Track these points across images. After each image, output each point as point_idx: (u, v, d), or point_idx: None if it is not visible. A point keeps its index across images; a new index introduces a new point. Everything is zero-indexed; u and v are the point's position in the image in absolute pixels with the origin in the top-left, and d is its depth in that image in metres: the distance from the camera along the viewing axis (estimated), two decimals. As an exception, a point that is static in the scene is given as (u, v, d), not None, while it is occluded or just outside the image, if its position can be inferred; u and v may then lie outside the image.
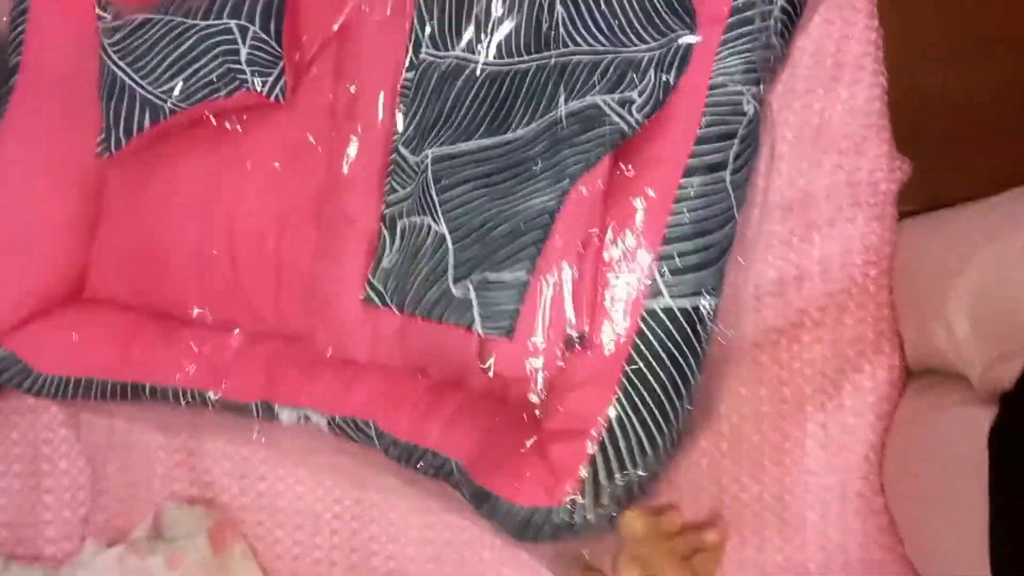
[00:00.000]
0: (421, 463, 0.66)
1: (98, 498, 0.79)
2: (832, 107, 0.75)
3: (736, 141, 0.61)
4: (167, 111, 0.69)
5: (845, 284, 0.74)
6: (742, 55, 0.62)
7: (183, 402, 0.71)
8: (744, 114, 0.61)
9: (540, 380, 0.62)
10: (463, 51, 0.67)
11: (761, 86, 0.62)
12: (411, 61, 0.69)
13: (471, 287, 0.62)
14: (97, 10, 0.70)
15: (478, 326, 0.61)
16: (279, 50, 0.69)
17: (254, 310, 0.73)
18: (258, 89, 0.68)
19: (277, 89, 0.69)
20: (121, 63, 0.69)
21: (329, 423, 0.69)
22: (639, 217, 0.61)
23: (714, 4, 0.62)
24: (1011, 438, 0.55)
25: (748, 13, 0.62)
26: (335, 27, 0.73)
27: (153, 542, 0.71)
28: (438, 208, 0.64)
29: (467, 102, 0.66)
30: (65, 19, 0.71)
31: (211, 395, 0.70)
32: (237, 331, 0.73)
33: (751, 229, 0.64)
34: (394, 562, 0.75)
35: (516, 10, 0.66)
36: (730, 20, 0.62)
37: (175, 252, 0.74)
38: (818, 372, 0.73)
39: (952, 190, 0.75)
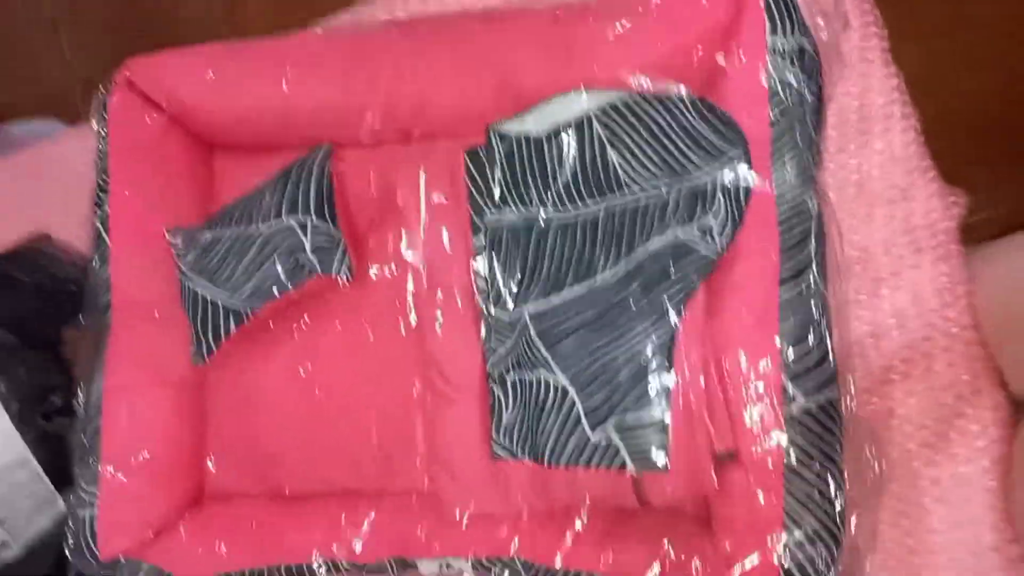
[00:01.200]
0: None
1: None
2: (869, 161, 0.76)
3: (813, 239, 0.64)
4: (248, 314, 0.74)
5: (925, 332, 0.73)
6: (794, 161, 0.65)
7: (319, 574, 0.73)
8: (811, 213, 0.64)
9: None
10: (525, 207, 0.71)
11: (816, 179, 0.65)
12: (475, 225, 0.73)
13: (613, 432, 0.64)
14: (167, 237, 0.76)
15: (630, 466, 0.64)
16: (338, 233, 0.73)
17: (369, 482, 0.76)
18: (327, 272, 0.73)
19: (344, 269, 0.73)
20: (198, 279, 0.75)
21: (474, 566, 0.70)
22: (750, 333, 0.64)
23: (754, 126, 0.66)
24: None
25: (785, 122, 0.65)
26: (392, 207, 0.77)
27: None
28: (552, 363, 0.67)
29: (547, 254, 0.70)
30: (144, 251, 0.77)
31: (344, 564, 0.72)
32: (360, 505, 0.75)
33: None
34: None
35: (568, 162, 0.70)
36: (772, 134, 0.66)
37: (280, 439, 0.78)
38: (918, 426, 0.72)
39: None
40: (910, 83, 0.77)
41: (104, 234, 0.77)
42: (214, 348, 0.75)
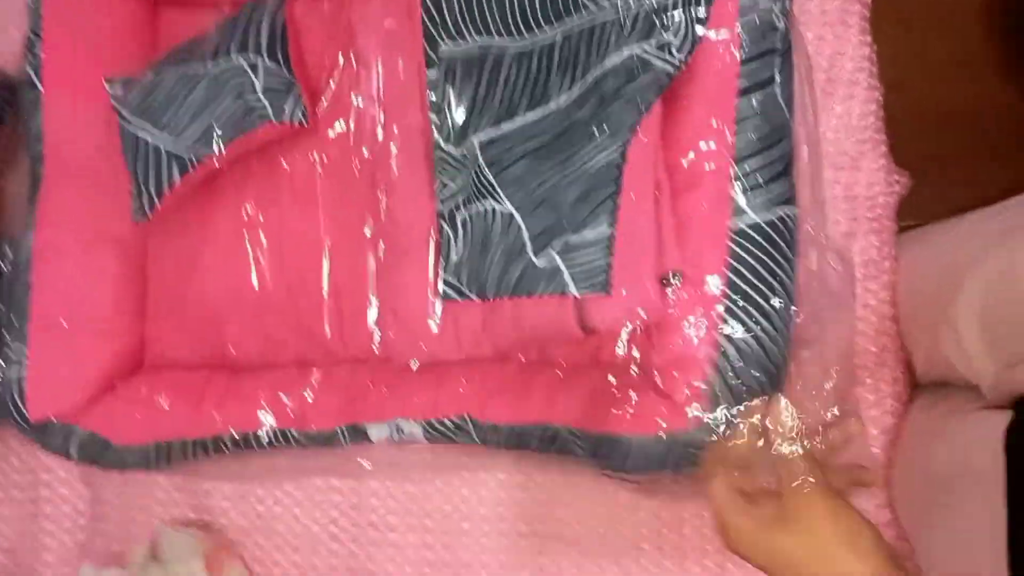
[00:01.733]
0: (532, 441, 0.68)
1: (97, 523, 0.80)
2: (827, 123, 0.76)
3: (777, 56, 0.64)
4: (194, 161, 0.70)
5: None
6: None
7: (266, 446, 0.72)
8: (777, 29, 0.64)
9: (633, 329, 0.64)
10: (481, 36, 0.69)
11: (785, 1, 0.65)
12: (430, 58, 0.71)
13: (555, 254, 0.63)
14: (106, 86, 0.72)
15: (572, 288, 0.63)
16: (292, 76, 0.71)
17: (319, 342, 0.75)
18: (280, 118, 0.70)
19: (298, 113, 0.70)
20: (140, 124, 0.71)
21: (424, 429, 0.70)
22: (706, 145, 0.64)
23: None
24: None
25: None
26: (347, 49, 0.75)
27: (148, 565, 0.70)
28: (498, 189, 0.66)
29: (500, 84, 0.69)
30: (80, 101, 0.73)
31: (294, 432, 0.71)
32: (309, 367, 0.74)
33: (808, 145, 0.67)
34: (391, 582, 0.74)
35: None
36: None
37: (226, 301, 0.76)
38: (818, 384, 0.72)
39: (960, 206, 0.76)
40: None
41: (36, 80, 0.72)
42: (156, 201, 0.72)
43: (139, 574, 0.72)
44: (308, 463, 0.74)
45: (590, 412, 0.65)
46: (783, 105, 0.64)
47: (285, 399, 0.71)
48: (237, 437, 0.71)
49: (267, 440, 0.71)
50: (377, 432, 0.70)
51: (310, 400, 0.71)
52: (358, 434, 0.71)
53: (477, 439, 0.69)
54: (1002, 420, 0.59)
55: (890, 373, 0.74)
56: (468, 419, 0.69)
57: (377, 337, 0.74)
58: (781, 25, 0.64)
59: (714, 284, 0.62)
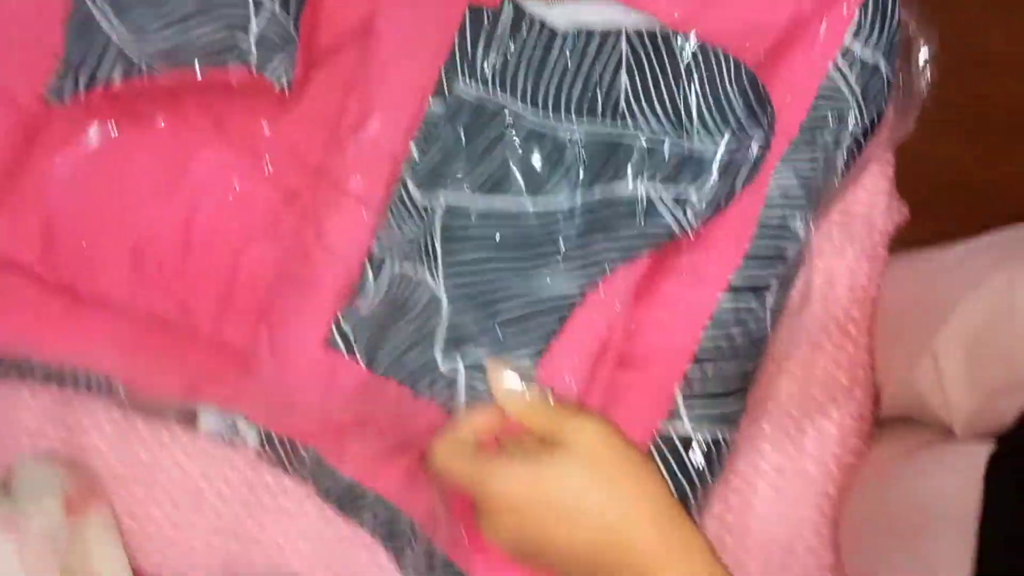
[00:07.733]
0: (365, 510, 0.65)
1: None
2: None
3: (784, 264, 0.63)
4: (143, 70, 0.66)
5: (824, 321, 0.74)
6: (803, 176, 0.63)
7: (84, 388, 0.67)
8: (795, 236, 0.63)
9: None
10: (503, 95, 0.65)
11: (815, 210, 0.64)
12: (441, 87, 0.66)
13: (461, 365, 0.60)
14: None
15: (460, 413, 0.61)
16: (294, 35, 0.67)
17: (189, 312, 0.70)
18: (261, 70, 0.66)
19: (284, 78, 0.67)
20: (102, 6, 0.66)
21: (261, 438, 0.66)
22: (668, 328, 0.62)
23: (784, 116, 0.63)
24: (1012, 472, 0.55)
25: (816, 132, 0.63)
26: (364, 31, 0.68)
27: (-1, 499, 0.63)
28: (439, 266, 0.63)
29: (499, 152, 0.65)
30: None
31: (119, 386, 0.67)
32: (165, 326, 0.68)
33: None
34: (279, 555, 0.72)
35: (575, 65, 0.64)
36: (796, 136, 0.63)
37: (113, 228, 0.69)
38: (781, 410, 0.71)
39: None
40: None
41: None
42: (81, 92, 0.66)
43: (-17, 506, 0.64)
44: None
45: (442, 523, 0.60)
46: (768, 318, 0.62)
47: (122, 349, 0.65)
48: (51, 370, 0.66)
49: (86, 386, 0.66)
50: (207, 421, 0.67)
51: (150, 359, 0.65)
52: (187, 416, 0.67)
53: (312, 479, 0.66)
54: (982, 452, 0.58)
55: (857, 407, 0.74)
56: (312, 453, 0.65)
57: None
58: (801, 232, 0.62)
59: None
